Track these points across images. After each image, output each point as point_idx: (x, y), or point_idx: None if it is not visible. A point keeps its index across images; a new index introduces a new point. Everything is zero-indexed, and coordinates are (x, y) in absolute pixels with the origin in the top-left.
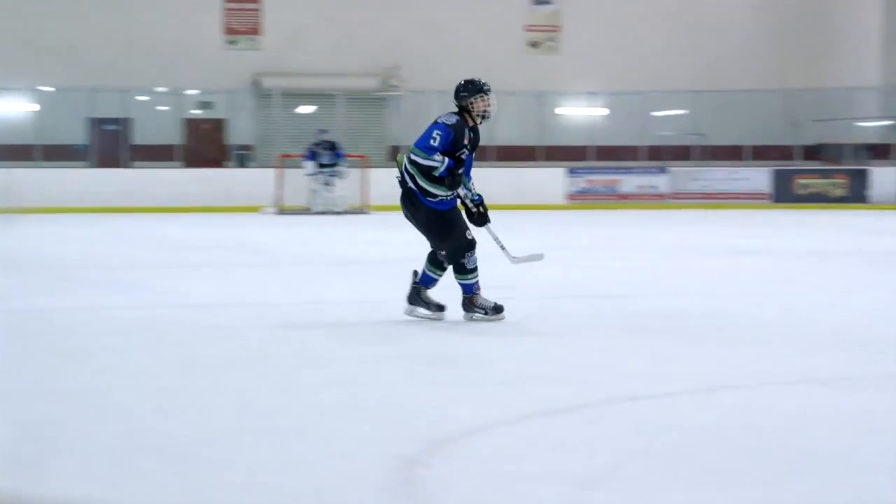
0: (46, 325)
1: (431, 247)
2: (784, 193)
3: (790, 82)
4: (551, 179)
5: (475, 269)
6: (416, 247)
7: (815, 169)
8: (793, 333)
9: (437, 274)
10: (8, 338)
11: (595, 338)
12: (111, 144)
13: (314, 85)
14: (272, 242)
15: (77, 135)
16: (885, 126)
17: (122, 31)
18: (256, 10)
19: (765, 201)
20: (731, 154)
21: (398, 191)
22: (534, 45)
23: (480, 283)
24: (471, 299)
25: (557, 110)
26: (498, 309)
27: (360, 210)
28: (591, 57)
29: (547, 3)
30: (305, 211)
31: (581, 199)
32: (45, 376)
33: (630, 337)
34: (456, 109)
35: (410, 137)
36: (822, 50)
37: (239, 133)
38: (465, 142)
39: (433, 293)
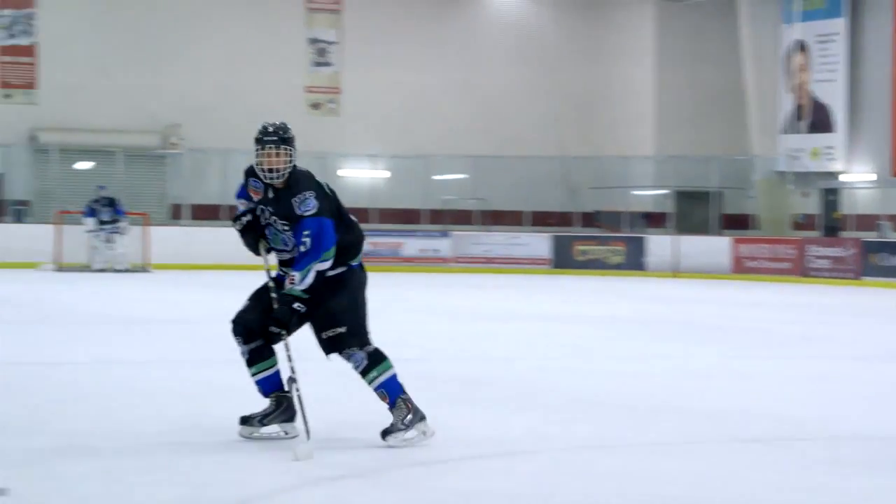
0: None
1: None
2: (564, 259)
3: (569, 150)
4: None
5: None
6: (199, 306)
7: (593, 236)
8: (577, 398)
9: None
10: None
11: (379, 401)
12: None
13: (93, 141)
14: (49, 299)
15: None
16: (660, 195)
17: None
18: (32, 63)
19: (545, 266)
20: (511, 219)
21: (182, 248)
22: (315, 106)
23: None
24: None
25: (339, 172)
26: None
27: (141, 268)
28: (372, 119)
29: (327, 65)
30: (86, 268)
31: (365, 261)
32: None
33: (416, 400)
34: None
35: (191, 196)
36: (600, 120)
37: (15, 188)
38: (255, 196)
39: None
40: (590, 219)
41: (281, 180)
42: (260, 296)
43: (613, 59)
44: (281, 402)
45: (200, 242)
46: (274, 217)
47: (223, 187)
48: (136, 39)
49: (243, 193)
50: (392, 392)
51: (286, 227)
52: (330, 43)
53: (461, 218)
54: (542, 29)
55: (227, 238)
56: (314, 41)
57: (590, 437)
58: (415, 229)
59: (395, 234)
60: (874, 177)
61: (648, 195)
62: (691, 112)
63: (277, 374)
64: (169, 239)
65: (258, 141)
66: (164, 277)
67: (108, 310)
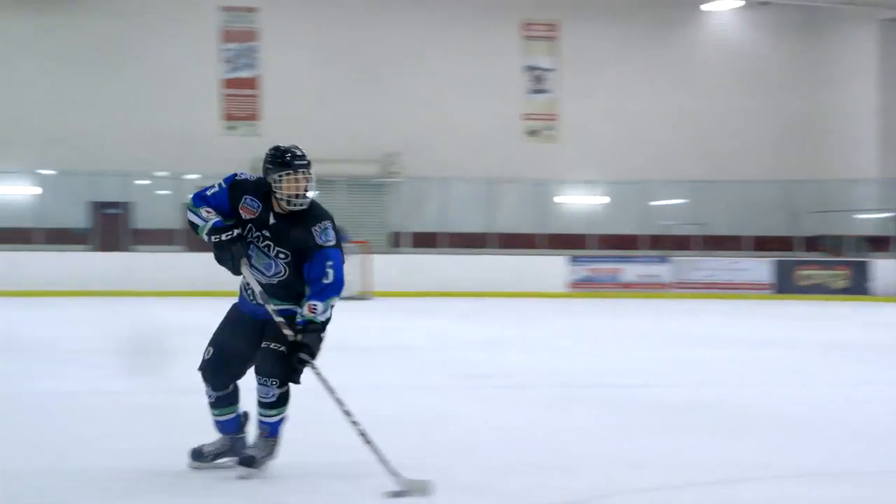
0: (47, 408)
1: None
2: (786, 284)
3: (789, 174)
4: (553, 267)
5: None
6: (419, 332)
7: (816, 260)
8: (800, 425)
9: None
10: (9, 421)
11: (600, 427)
12: (112, 228)
13: (315, 170)
14: None
15: (78, 218)
16: (884, 218)
17: (125, 116)
18: (255, 96)
19: (767, 292)
20: (731, 244)
21: (402, 276)
22: (532, 133)
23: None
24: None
25: (556, 198)
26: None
27: (363, 296)
28: (589, 145)
29: (544, 91)
30: None
31: (583, 287)
32: (49, 459)
33: (634, 427)
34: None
35: (411, 223)
36: (821, 143)
37: None
38: (247, 215)
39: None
40: (812, 243)
41: (305, 206)
42: (236, 323)
43: (834, 80)
44: (235, 443)
45: (420, 270)
46: (269, 242)
47: (442, 215)
48: (355, 70)
49: (222, 203)
50: (274, 432)
51: (283, 255)
52: (547, 70)
53: (680, 243)
54: (760, 51)
55: (447, 264)
56: (531, 69)
57: (813, 464)
58: (633, 255)
59: (613, 260)
60: None
61: (872, 219)
62: None
63: (239, 416)
64: (390, 266)
65: (286, 164)
66: (386, 305)
67: (330, 336)
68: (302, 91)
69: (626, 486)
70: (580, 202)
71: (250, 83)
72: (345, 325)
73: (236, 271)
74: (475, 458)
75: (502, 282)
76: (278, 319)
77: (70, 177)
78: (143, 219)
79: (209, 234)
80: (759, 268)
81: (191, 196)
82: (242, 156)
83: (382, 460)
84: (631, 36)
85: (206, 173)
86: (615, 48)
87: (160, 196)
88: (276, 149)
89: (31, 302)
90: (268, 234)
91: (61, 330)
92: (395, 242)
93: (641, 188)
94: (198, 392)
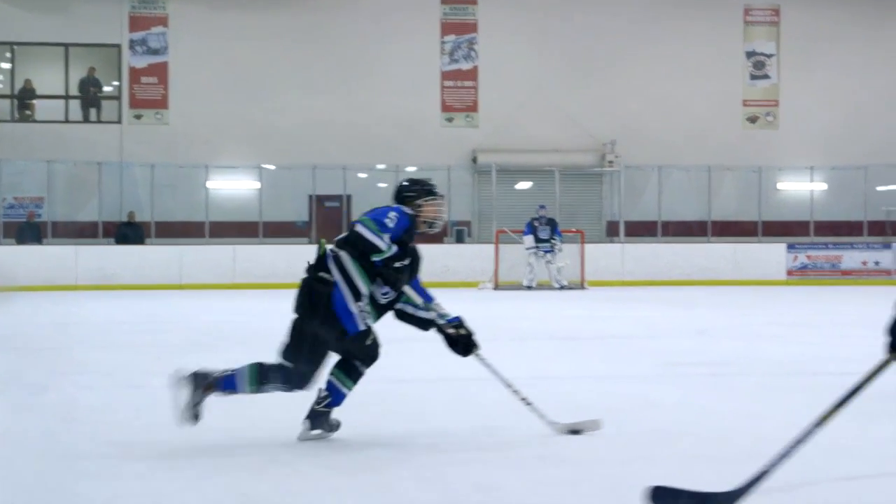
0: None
1: (285, 348)
2: None
3: None
4: (771, 255)
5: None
6: (641, 322)
7: None
8: None
9: (348, 387)
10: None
11: (809, 415)
12: (332, 221)
13: (530, 161)
14: (495, 317)
15: (299, 212)
16: None
17: (344, 110)
18: (474, 88)
19: None
20: None
21: (617, 265)
22: (752, 119)
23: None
24: (326, 413)
25: (778, 185)
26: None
27: (578, 285)
28: (809, 131)
29: (765, 77)
30: (521, 286)
31: (802, 274)
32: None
33: (842, 415)
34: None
35: (627, 213)
36: None
37: (457, 209)
38: (410, 244)
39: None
40: None
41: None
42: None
43: None
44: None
45: (635, 259)
46: (407, 269)
47: (659, 204)
48: (571, 59)
49: (398, 234)
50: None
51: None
52: (768, 55)
53: None
54: None
55: (663, 253)
56: (752, 54)
57: None
58: (854, 241)
59: (833, 248)
60: None
61: None
62: None
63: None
64: (605, 256)
65: (430, 192)
66: (599, 294)
67: (546, 326)
68: (518, 81)
69: (828, 473)
70: (799, 189)
71: (468, 75)
72: (555, 314)
73: (400, 290)
74: (677, 446)
75: (719, 270)
76: (441, 322)
77: (290, 171)
78: (363, 211)
79: (391, 260)
80: None
81: (368, 217)
82: (460, 148)
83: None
84: (852, 18)
85: (424, 165)
86: (836, 32)
87: (379, 189)
88: (416, 179)
89: (253, 294)
90: (409, 260)
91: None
92: (611, 232)
93: (863, 173)
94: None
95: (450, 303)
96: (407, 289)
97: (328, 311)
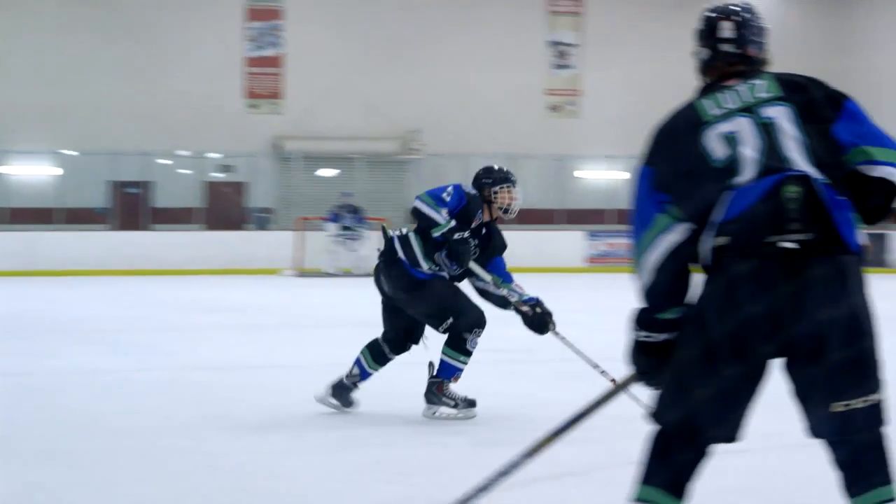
0: (56, 386)
1: (432, 325)
2: None
3: None
4: (571, 242)
5: (470, 355)
6: None
7: None
8: None
9: (460, 361)
10: (18, 399)
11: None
12: (132, 207)
13: (335, 148)
14: (291, 304)
15: (98, 198)
16: None
17: (145, 95)
18: (278, 74)
19: None
20: None
21: None
22: (554, 108)
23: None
24: (440, 386)
25: (577, 173)
26: (471, 403)
27: None
28: (611, 120)
29: (567, 67)
30: (325, 273)
31: (601, 262)
32: (53, 438)
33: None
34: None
35: None
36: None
37: (259, 196)
38: (473, 224)
39: (456, 387)
40: None
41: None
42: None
43: (862, 49)
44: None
45: None
46: (477, 249)
47: None
48: (376, 47)
49: (455, 209)
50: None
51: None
52: (571, 45)
53: None
54: (787, 24)
55: None
56: (555, 44)
57: None
58: None
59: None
60: None
61: None
62: None
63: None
64: None
65: (506, 180)
66: None
67: (343, 313)
68: (324, 69)
69: (632, 456)
70: (600, 177)
71: (274, 61)
72: (357, 301)
73: (465, 265)
74: (468, 434)
75: (519, 257)
76: (514, 299)
77: (90, 157)
78: (164, 198)
79: (450, 233)
80: None
81: (426, 193)
82: (264, 134)
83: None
84: (656, 10)
85: (229, 152)
86: (637, 23)
87: (181, 175)
88: (492, 167)
89: (51, 281)
90: (476, 240)
91: (81, 310)
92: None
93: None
94: (215, 369)
95: (250, 289)
96: (473, 265)
97: (406, 274)
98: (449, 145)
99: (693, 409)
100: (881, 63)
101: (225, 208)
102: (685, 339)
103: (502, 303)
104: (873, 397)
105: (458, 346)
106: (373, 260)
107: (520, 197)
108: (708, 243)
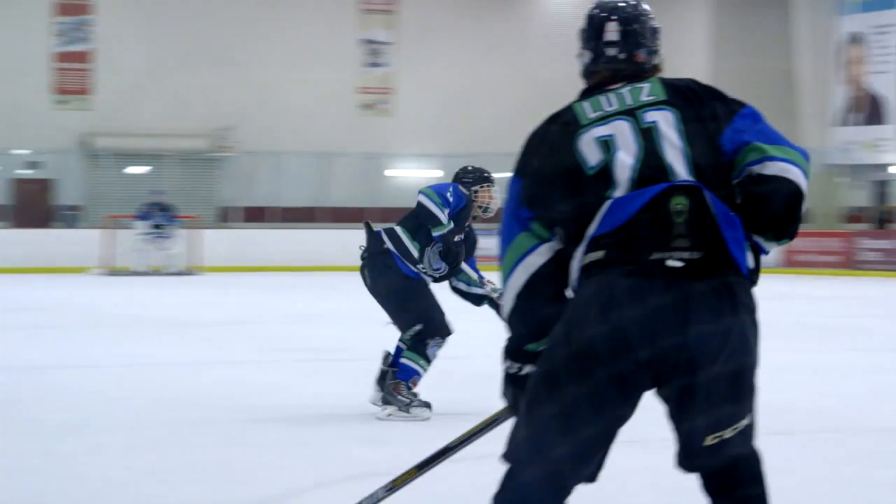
0: None
1: (400, 326)
2: None
3: None
4: None
5: (430, 362)
6: (249, 308)
7: None
8: None
9: (420, 365)
10: None
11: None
12: None
13: (145, 145)
14: (96, 303)
15: None
16: None
17: None
18: (87, 70)
19: None
20: None
21: (230, 251)
22: (367, 106)
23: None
24: (397, 386)
25: (387, 172)
26: (425, 404)
27: (191, 271)
28: (424, 119)
29: (381, 65)
30: (135, 272)
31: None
32: None
33: (462, 400)
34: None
35: (242, 198)
36: None
37: (68, 193)
38: (466, 224)
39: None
40: None
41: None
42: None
43: (668, 50)
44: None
45: (249, 245)
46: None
47: (273, 189)
48: (188, 43)
49: (455, 209)
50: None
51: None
52: (384, 43)
53: None
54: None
55: (276, 240)
56: (368, 42)
57: None
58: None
59: None
60: None
61: None
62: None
63: None
64: (219, 242)
65: (486, 179)
66: (213, 279)
67: (153, 312)
68: (135, 65)
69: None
70: (412, 175)
71: (82, 56)
72: (169, 301)
73: (458, 267)
74: (267, 434)
75: (331, 256)
76: (495, 296)
77: None
78: None
79: (450, 234)
80: None
81: (431, 189)
82: (73, 131)
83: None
84: (469, 8)
85: (36, 148)
86: (452, 21)
87: None
88: (470, 167)
89: None
90: (461, 238)
91: None
92: (225, 217)
93: (476, 161)
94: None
95: (55, 288)
96: (465, 266)
97: (395, 268)
98: (261, 143)
99: (553, 465)
100: (675, 65)
101: (32, 206)
102: (543, 367)
103: (478, 301)
104: (742, 423)
105: (420, 350)
106: (182, 258)
107: (498, 196)
108: (578, 261)
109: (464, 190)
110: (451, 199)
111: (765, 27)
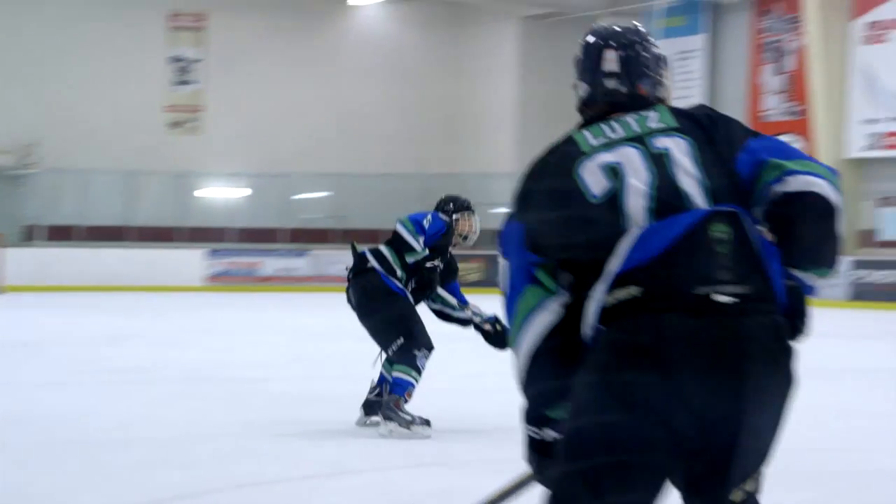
0: None
1: (381, 343)
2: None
3: (432, 167)
4: (190, 260)
5: (420, 373)
6: (51, 329)
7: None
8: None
9: (411, 376)
10: None
11: (220, 421)
12: None
13: None
14: None
15: None
16: None
17: None
18: None
19: None
20: (371, 237)
21: (35, 270)
22: (175, 124)
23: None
24: (398, 402)
25: (196, 192)
26: (425, 421)
27: None
28: (234, 137)
29: (189, 83)
30: None
31: (221, 280)
32: None
33: (254, 420)
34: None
35: (47, 216)
36: (463, 137)
37: None
38: (447, 251)
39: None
40: None
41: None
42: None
43: (476, 75)
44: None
45: (55, 264)
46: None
47: (80, 207)
48: None
49: (433, 237)
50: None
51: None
52: (193, 61)
53: (320, 236)
54: (407, 46)
55: (82, 259)
56: (176, 59)
57: (414, 456)
58: (273, 248)
59: (252, 254)
60: None
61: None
62: (552, 129)
63: None
64: (24, 260)
65: (466, 208)
66: (16, 300)
67: None
68: None
69: (249, 479)
70: (221, 195)
71: None
72: None
73: (434, 292)
74: (94, 453)
75: (138, 275)
76: (477, 320)
77: None
78: None
79: (423, 261)
80: None
81: (408, 218)
82: None
83: None
84: (278, 28)
85: None
86: (262, 40)
87: None
88: (452, 196)
89: None
90: (439, 262)
91: None
92: (29, 236)
93: (284, 181)
94: None
95: None
96: (441, 291)
97: (381, 285)
98: (67, 160)
99: None
100: (485, 92)
101: None
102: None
103: (462, 323)
104: (751, 485)
105: (409, 362)
106: None
107: (477, 225)
108: (599, 302)
109: (444, 217)
110: (426, 227)
111: (573, 52)
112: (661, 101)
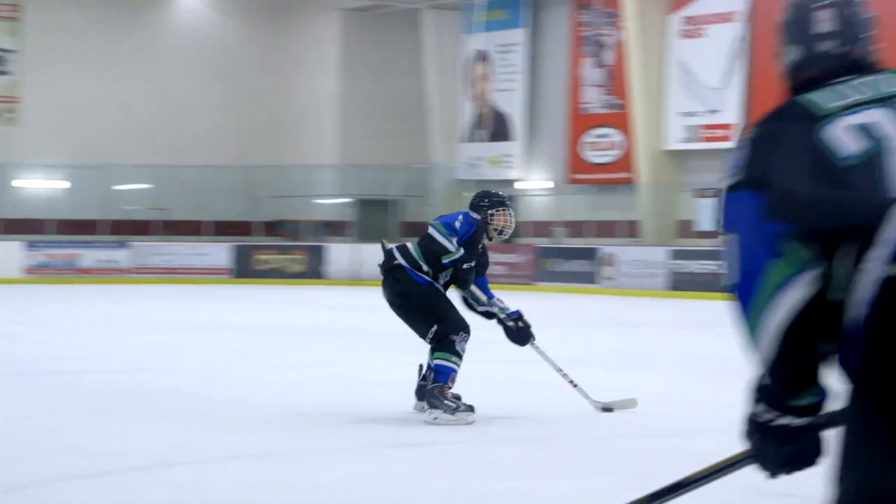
0: None
1: (419, 332)
2: (244, 269)
3: (253, 159)
4: (7, 252)
5: (461, 357)
6: None
7: (274, 245)
8: (240, 410)
9: (452, 361)
10: None
11: (41, 415)
12: None
13: None
14: None
15: None
16: (341, 204)
17: None
18: None
19: (225, 276)
20: (192, 229)
21: None
22: None
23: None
24: (442, 389)
25: (14, 182)
26: (469, 407)
27: None
28: (53, 128)
29: (5, 73)
30: None
31: (40, 273)
32: None
33: (75, 413)
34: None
35: None
36: (284, 129)
37: None
38: (479, 246)
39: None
40: (271, 228)
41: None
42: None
43: (298, 68)
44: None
45: None
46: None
47: None
48: None
49: (465, 237)
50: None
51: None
52: (8, 51)
53: (141, 228)
54: (228, 38)
55: None
56: None
57: (234, 447)
58: (93, 240)
59: (71, 246)
60: (551, 184)
61: (330, 204)
62: (375, 122)
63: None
64: None
65: (502, 203)
66: None
67: None
68: None
69: (67, 473)
70: (39, 186)
71: None
72: None
73: (468, 290)
74: None
75: None
76: (501, 315)
77: None
78: None
79: (459, 262)
80: (219, 252)
81: (439, 221)
82: None
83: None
84: (99, 17)
85: None
86: (81, 30)
87: None
88: (488, 191)
89: None
90: (472, 266)
91: None
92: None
93: (104, 172)
94: None
95: None
96: (474, 288)
97: (409, 280)
98: None
99: None
100: (307, 84)
101: None
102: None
103: (486, 315)
104: None
105: (448, 347)
106: None
107: (513, 220)
108: (879, 272)
109: (475, 215)
110: (458, 227)
111: (395, 46)
112: (874, 66)
